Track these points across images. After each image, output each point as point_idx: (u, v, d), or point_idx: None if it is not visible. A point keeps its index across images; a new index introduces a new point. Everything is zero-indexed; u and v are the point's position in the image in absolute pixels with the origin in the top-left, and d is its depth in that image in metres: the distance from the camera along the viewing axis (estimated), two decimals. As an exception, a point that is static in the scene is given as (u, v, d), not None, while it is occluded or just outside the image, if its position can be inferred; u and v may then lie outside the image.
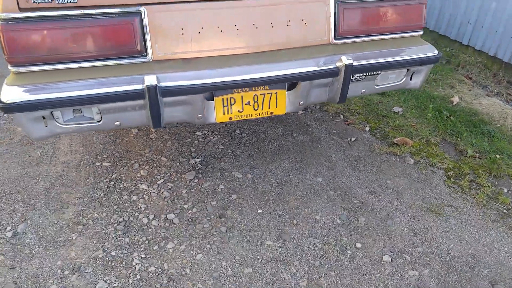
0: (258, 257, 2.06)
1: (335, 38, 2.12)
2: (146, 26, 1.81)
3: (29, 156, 2.68)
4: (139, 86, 1.80)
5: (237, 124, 3.11)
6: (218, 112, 2.06)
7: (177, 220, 2.25)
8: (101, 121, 1.90)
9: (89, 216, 2.25)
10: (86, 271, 1.95)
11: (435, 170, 2.73)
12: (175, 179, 2.54)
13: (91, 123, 1.91)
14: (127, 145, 2.81)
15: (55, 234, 2.13)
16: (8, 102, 1.72)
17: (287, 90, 2.13)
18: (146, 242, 2.11)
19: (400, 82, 2.34)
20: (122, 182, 2.49)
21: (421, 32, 2.30)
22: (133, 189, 2.44)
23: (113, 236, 2.13)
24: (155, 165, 2.64)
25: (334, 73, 2.07)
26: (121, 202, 2.35)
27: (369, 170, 2.70)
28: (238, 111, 2.10)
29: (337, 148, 2.90)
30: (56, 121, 1.86)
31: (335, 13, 2.06)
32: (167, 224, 2.22)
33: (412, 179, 2.64)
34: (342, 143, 2.96)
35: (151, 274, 1.95)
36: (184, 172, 2.60)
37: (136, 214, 2.28)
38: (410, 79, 2.35)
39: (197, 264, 2.01)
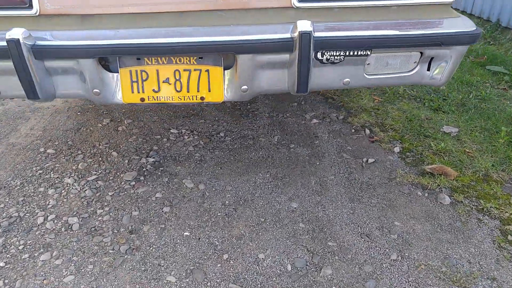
0: (142, 296, 1.39)
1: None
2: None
3: (-13, 134, 2.42)
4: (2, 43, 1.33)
5: (224, 125, 2.49)
6: (125, 89, 1.50)
7: (76, 227, 1.70)
8: None
9: (-15, 204, 1.83)
10: None
11: (484, 220, 1.75)
12: (110, 177, 2.01)
13: None
14: (87, 135, 2.38)
15: None
16: None
17: (224, 68, 1.48)
18: (21, 247, 1.60)
19: (409, 73, 1.52)
20: (51, 173, 2.04)
21: None
22: (56, 182, 1.98)
23: (-9, 233, 1.67)
24: (100, 159, 2.16)
25: (286, 45, 1.36)
26: (32, 194, 1.89)
27: (374, 204, 1.84)
28: (153, 90, 1.51)
29: (342, 168, 2.09)
30: None
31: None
32: (62, 229, 1.69)
33: (439, 227, 1.70)
34: (352, 164, 2.13)
35: (-8, 290, 1.41)
36: (125, 171, 2.06)
37: (37, 211, 1.79)
38: (428, 69, 1.50)
39: (56, 290, 1.42)
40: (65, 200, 1.86)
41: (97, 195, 1.89)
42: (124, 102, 1.52)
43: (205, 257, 1.56)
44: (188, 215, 1.77)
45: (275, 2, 1.42)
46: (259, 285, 1.44)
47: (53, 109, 2.72)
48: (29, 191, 1.92)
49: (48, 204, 1.83)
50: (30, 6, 1.40)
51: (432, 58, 1.47)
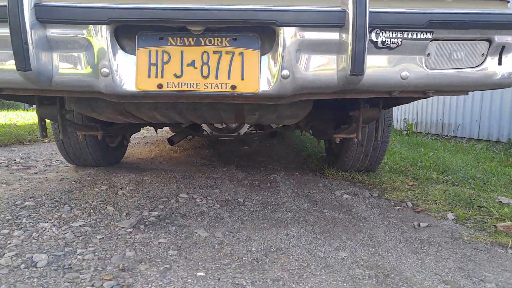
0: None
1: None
2: None
3: (-42, 194, 2.02)
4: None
5: (243, 192, 2.12)
6: (140, 73, 1.27)
7: (43, 263, 1.22)
8: None
9: None
10: None
11: None
12: (101, 225, 1.57)
13: None
14: (79, 195, 2.00)
15: None
16: None
17: (261, 53, 1.28)
18: (-43, 278, 1.09)
19: (477, 68, 1.31)
20: (24, 219, 1.61)
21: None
22: (28, 226, 1.53)
23: None
24: (91, 211, 1.74)
25: (337, 16, 1.20)
26: (-6, 234, 1.43)
27: (446, 257, 1.38)
28: (175, 75, 1.27)
29: (392, 229, 1.67)
30: None
31: None
32: (21, 266, 1.20)
33: (549, 279, 1.23)
34: (402, 226, 1.72)
35: None
36: (120, 220, 1.63)
37: (-4, 248, 1.31)
38: (499, 63, 1.30)
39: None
40: (33, 240, 1.40)
41: (80, 238, 1.43)
42: (137, 89, 1.26)
43: (230, 297, 1.05)
44: (202, 258, 1.30)
45: None
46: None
47: (43, 178, 2.37)
48: (-9, 231, 1.46)
49: (9, 243, 1.36)
50: None
51: (503, 48, 1.27)
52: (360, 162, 2.61)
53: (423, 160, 3.10)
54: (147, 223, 1.62)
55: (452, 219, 1.82)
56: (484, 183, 2.43)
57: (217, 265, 1.25)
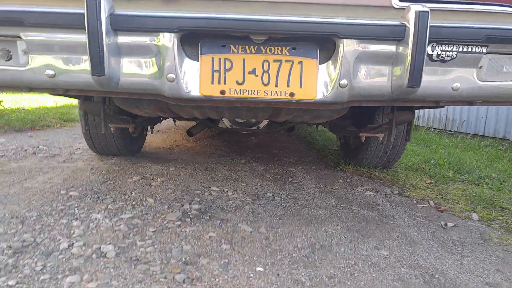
0: (220, 328, 0.94)
1: (399, -1, 1.36)
2: None
3: (-4, 180, 2.07)
4: (78, 10, 1.21)
5: (269, 186, 2.20)
6: (203, 80, 1.32)
7: (112, 254, 1.29)
8: (28, 66, 1.29)
9: (-7, 229, 1.42)
10: None
11: None
12: (150, 218, 1.64)
13: (16, 67, 1.30)
14: (115, 186, 2.06)
15: None
16: None
17: (319, 62, 1.34)
18: (37, 268, 1.17)
19: (528, 81, 1.38)
20: (75, 209, 1.67)
21: None
22: (82, 216, 1.60)
23: (-3, 253, 1.24)
24: (134, 203, 1.81)
25: (397, 31, 1.26)
26: (51, 224, 1.50)
27: (482, 258, 1.49)
28: (237, 82, 1.33)
29: (422, 228, 1.77)
30: None
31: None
32: (93, 256, 1.27)
33: None
34: (430, 225, 1.82)
35: (-5, 308, 0.95)
36: (166, 213, 1.70)
37: (59, 238, 1.39)
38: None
39: (90, 312, 0.97)
40: (94, 231, 1.47)
41: (134, 230, 1.51)
42: (201, 95, 1.32)
43: (294, 292, 1.14)
44: (255, 253, 1.38)
45: (375, 1, 1.35)
46: (382, 324, 1.01)
47: (73, 167, 2.43)
48: (48, 222, 1.53)
49: (73, 233, 1.43)
50: None
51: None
52: (379, 159, 2.70)
53: (435, 158, 3.21)
54: (191, 216, 1.69)
55: (477, 220, 1.93)
56: (501, 183, 2.54)
57: (272, 260, 1.34)
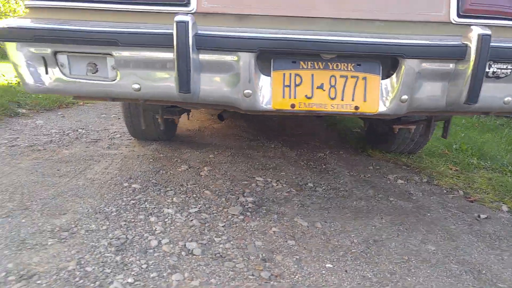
0: (317, 323, 1.13)
1: (458, 15, 1.46)
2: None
3: (58, 170, 2.22)
4: (167, 30, 1.31)
5: (312, 179, 2.37)
6: (275, 94, 1.44)
7: (198, 252, 1.46)
8: (116, 80, 1.40)
9: (84, 226, 1.58)
10: (38, 281, 1.22)
11: None
12: (214, 211, 1.81)
13: (103, 81, 1.42)
14: (169, 176, 2.22)
15: (30, 236, 1.49)
16: (4, 26, 1.35)
17: (382, 78, 1.46)
18: (144, 266, 1.34)
19: None
20: (146, 203, 1.84)
21: None
22: (155, 211, 1.76)
23: (102, 251, 1.41)
24: (194, 195, 1.97)
25: (458, 51, 1.37)
26: (132, 220, 1.66)
27: (517, 252, 1.67)
28: (306, 96, 1.45)
29: (458, 221, 1.95)
30: (61, 69, 1.41)
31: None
32: (182, 253, 1.44)
33: None
34: (465, 218, 2.00)
35: (127, 306, 1.13)
36: (227, 207, 1.87)
37: (146, 235, 1.55)
38: None
39: (206, 310, 1.15)
40: (172, 227, 1.63)
41: (206, 225, 1.68)
42: (273, 108, 1.44)
43: (365, 288, 1.32)
44: (319, 249, 1.56)
45: (433, 17, 1.45)
46: (447, 318, 1.20)
47: (120, 155, 2.57)
48: (128, 217, 1.69)
49: (155, 230, 1.60)
50: (188, 3, 1.40)
51: None
52: (406, 145, 2.85)
53: (457, 142, 3.36)
54: (250, 210, 1.86)
55: (506, 211, 2.11)
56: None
57: (336, 257, 1.52)
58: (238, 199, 1.97)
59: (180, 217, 1.72)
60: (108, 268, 1.31)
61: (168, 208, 1.80)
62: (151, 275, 1.29)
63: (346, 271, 1.43)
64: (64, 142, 2.82)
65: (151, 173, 2.24)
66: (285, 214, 1.85)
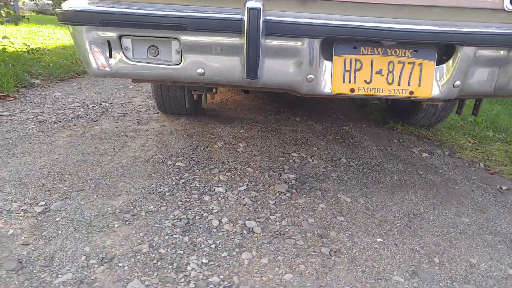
0: (383, 294, 1.26)
1: (511, 2, 1.51)
2: None
3: (96, 148, 2.28)
4: (233, 15, 1.34)
5: (344, 154, 2.47)
6: (336, 79, 1.50)
7: (259, 230, 1.57)
8: (181, 64, 1.44)
9: (143, 207, 1.68)
10: (120, 264, 1.32)
11: None
12: (261, 189, 1.91)
13: (167, 64, 1.46)
14: (208, 153, 2.30)
15: (94, 218, 1.57)
16: (69, 9, 1.36)
17: (436, 64, 1.52)
18: (212, 246, 1.45)
19: None
20: (195, 182, 1.93)
21: None
22: (206, 190, 1.86)
23: (168, 232, 1.51)
24: (238, 173, 2.06)
25: (514, 39, 1.43)
26: (188, 200, 1.76)
27: (542, 222, 1.81)
28: (365, 81, 1.51)
29: (484, 193, 2.08)
30: (124, 53, 1.44)
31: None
32: (244, 232, 1.55)
33: None
34: (489, 189, 2.13)
35: (212, 285, 1.25)
36: (273, 184, 1.97)
37: (205, 214, 1.65)
38: None
39: (284, 286, 1.27)
40: (227, 206, 1.74)
41: (258, 203, 1.78)
42: (333, 92, 1.51)
43: (417, 261, 1.46)
44: (367, 224, 1.68)
45: (489, 4, 1.50)
46: (493, 286, 1.34)
47: (153, 131, 2.63)
48: (182, 197, 1.78)
49: (212, 209, 1.70)
50: None
51: None
52: (427, 119, 2.95)
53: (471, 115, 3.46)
54: (294, 186, 1.97)
55: (525, 183, 2.25)
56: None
57: (384, 231, 1.65)
58: (280, 176, 2.07)
59: (232, 196, 1.82)
60: (180, 249, 1.42)
61: (218, 186, 1.90)
62: (222, 255, 1.40)
63: (395, 244, 1.56)
64: (91, 117, 2.86)
65: (189, 150, 2.32)
66: (327, 190, 1.96)
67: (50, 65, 4.37)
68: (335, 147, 2.57)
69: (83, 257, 1.34)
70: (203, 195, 1.81)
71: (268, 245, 1.48)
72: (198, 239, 1.49)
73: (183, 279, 1.27)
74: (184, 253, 1.40)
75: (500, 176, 2.33)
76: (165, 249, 1.41)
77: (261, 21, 1.30)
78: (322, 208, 1.79)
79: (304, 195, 1.88)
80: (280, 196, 1.86)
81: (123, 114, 2.99)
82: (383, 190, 2.02)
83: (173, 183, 1.91)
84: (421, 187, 2.08)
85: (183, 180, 1.94)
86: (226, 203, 1.75)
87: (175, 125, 2.77)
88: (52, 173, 1.92)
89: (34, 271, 1.25)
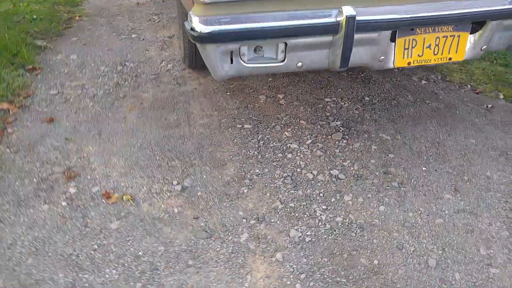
0: (443, 208, 1.95)
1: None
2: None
3: (165, 119, 2.64)
4: (333, 19, 1.73)
5: (364, 91, 3.01)
6: (398, 56, 1.97)
7: (342, 176, 2.15)
8: (284, 61, 1.84)
9: (251, 171, 2.18)
10: (272, 220, 1.87)
11: None
12: (323, 140, 2.45)
13: (274, 63, 1.85)
14: (260, 110, 2.74)
15: (225, 188, 2.06)
16: (203, 32, 1.67)
17: (470, 33, 2.02)
18: (321, 195, 2.03)
19: None
20: (271, 142, 2.42)
21: None
22: (284, 148, 2.37)
23: (284, 189, 2.06)
24: (296, 127, 2.56)
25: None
26: (277, 159, 2.27)
27: (522, 133, 2.54)
28: (418, 55, 2.00)
29: (477, 114, 2.77)
30: (241, 58, 1.80)
31: None
32: (333, 179, 2.13)
33: None
34: (479, 110, 2.81)
35: (340, 224, 1.85)
36: (329, 133, 2.51)
37: (298, 170, 2.19)
38: None
39: (383, 215, 1.91)
40: (308, 160, 2.28)
41: (327, 153, 2.34)
42: (395, 66, 2.00)
43: (453, 180, 2.14)
44: (409, 157, 2.32)
45: None
46: (506, 190, 2.07)
47: (198, 92, 2.95)
48: (271, 157, 2.29)
49: (300, 164, 2.24)
50: None
51: None
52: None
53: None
54: (345, 133, 2.52)
55: (502, 98, 2.95)
56: (505, 58, 3.51)
57: (423, 160, 2.29)
58: (329, 124, 2.60)
59: (306, 150, 2.36)
60: (303, 201, 1.98)
61: (290, 143, 2.41)
62: (332, 200, 1.99)
63: (435, 170, 2.22)
64: (129, 82, 3.05)
65: (243, 110, 2.74)
66: (370, 132, 2.54)
67: (41, 17, 4.19)
68: (354, 85, 3.09)
69: (244, 220, 1.87)
70: (286, 153, 2.33)
71: (356, 187, 2.09)
72: (307, 191, 2.05)
73: (320, 223, 1.86)
74: (306, 203, 1.97)
75: (483, 95, 3.02)
76: (293, 203, 1.97)
77: (355, 24, 1.72)
78: (374, 149, 2.38)
79: (356, 140, 2.46)
80: (340, 143, 2.42)
81: (156, 75, 3.23)
82: (408, 123, 2.63)
83: (255, 145, 2.39)
84: (432, 116, 2.72)
85: (262, 142, 2.42)
86: (306, 158, 2.29)
87: (212, 83, 3.10)
88: (156, 153, 2.32)
89: (221, 236, 1.78)
